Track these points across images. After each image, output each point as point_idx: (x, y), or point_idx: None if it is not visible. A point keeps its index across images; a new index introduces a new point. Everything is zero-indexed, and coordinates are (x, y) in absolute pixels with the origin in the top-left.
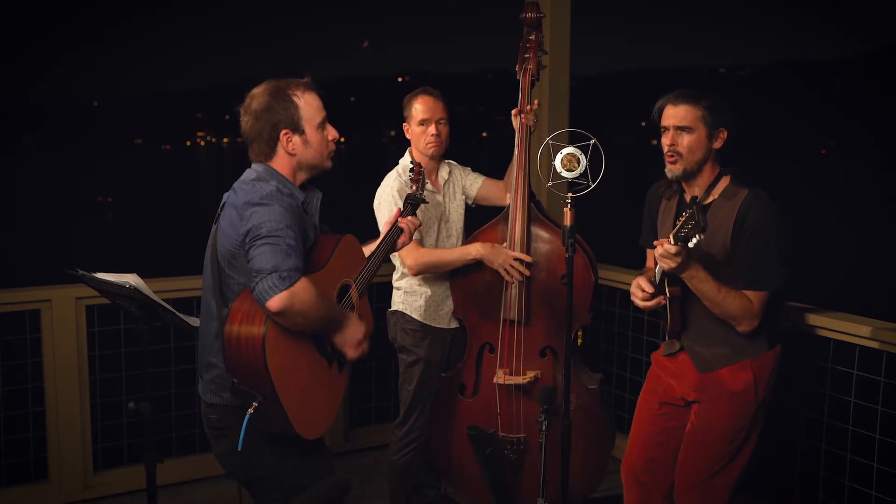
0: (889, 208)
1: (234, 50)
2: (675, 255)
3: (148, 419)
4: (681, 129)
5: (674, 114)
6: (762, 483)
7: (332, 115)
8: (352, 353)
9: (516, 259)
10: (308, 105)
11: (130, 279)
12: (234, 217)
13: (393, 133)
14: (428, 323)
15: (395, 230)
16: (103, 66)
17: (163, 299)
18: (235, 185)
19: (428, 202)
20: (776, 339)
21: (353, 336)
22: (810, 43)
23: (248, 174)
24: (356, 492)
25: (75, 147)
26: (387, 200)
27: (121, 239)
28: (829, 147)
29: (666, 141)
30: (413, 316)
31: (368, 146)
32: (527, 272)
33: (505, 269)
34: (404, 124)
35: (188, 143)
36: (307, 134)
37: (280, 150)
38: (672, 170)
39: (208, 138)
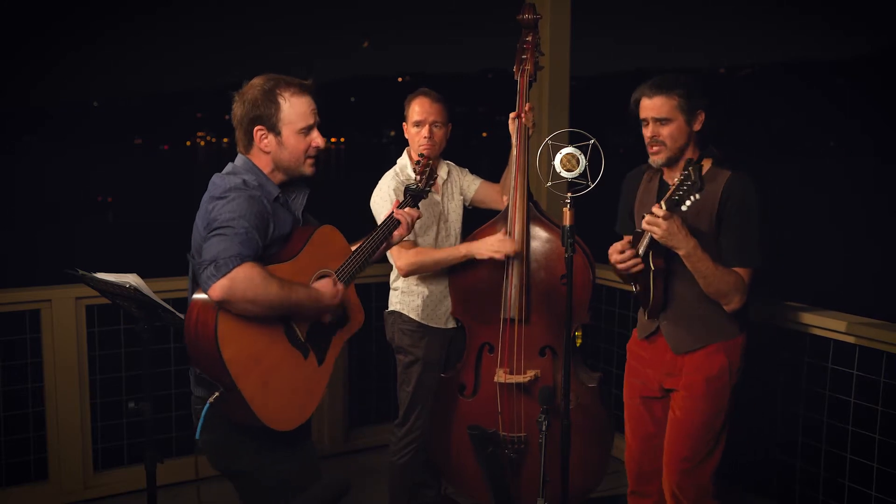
0: (889, 208)
1: (234, 50)
2: (663, 218)
3: (148, 419)
4: (659, 120)
5: (650, 106)
6: (762, 483)
7: (332, 115)
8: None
9: (501, 240)
10: (293, 109)
11: (130, 279)
12: (202, 212)
13: (393, 133)
14: (426, 323)
15: (391, 222)
16: (103, 66)
17: (163, 299)
18: (211, 178)
19: (429, 190)
20: (745, 326)
21: (326, 301)
22: (810, 43)
23: (227, 167)
24: (356, 492)
25: (75, 147)
26: (383, 200)
27: (121, 239)
28: (829, 147)
29: (647, 133)
30: (411, 316)
31: (368, 146)
32: (514, 244)
33: (494, 251)
34: (404, 124)
35: (188, 143)
36: (283, 136)
37: (255, 146)
38: (656, 159)
39: (208, 138)
